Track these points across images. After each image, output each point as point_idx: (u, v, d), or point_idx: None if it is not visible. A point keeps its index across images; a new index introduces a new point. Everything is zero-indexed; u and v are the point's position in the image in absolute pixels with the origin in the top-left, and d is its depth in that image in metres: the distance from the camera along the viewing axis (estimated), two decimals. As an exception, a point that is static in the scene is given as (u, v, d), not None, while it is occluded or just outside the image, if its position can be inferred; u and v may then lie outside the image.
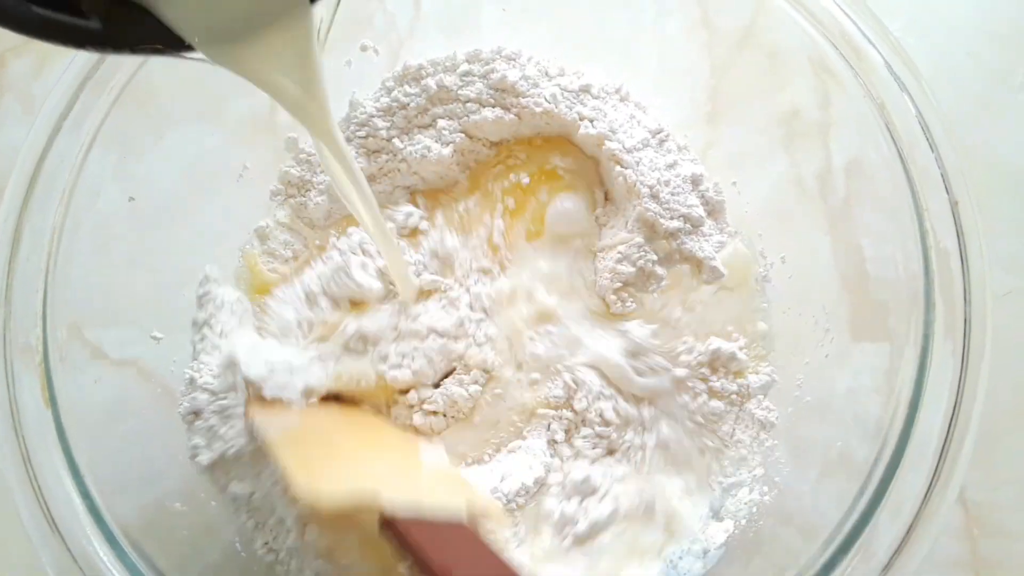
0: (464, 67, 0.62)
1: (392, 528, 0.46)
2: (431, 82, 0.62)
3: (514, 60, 0.63)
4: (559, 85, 0.62)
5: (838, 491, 0.51)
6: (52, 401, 0.48)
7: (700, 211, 0.61)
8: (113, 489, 0.48)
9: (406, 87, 0.63)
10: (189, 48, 0.36)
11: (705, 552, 0.56)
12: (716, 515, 0.58)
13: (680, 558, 0.56)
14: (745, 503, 0.57)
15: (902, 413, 0.49)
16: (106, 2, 0.36)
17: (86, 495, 0.46)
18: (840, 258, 0.59)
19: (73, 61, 0.54)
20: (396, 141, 0.63)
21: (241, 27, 0.37)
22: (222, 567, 0.54)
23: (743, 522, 0.57)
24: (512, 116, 0.62)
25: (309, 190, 0.65)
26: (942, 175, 0.50)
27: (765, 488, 0.57)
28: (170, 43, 0.36)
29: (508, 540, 0.56)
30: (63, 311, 0.50)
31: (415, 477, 0.53)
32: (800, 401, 0.59)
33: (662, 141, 0.62)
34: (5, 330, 0.49)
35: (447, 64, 0.63)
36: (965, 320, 0.49)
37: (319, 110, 0.41)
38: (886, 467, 0.48)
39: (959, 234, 0.49)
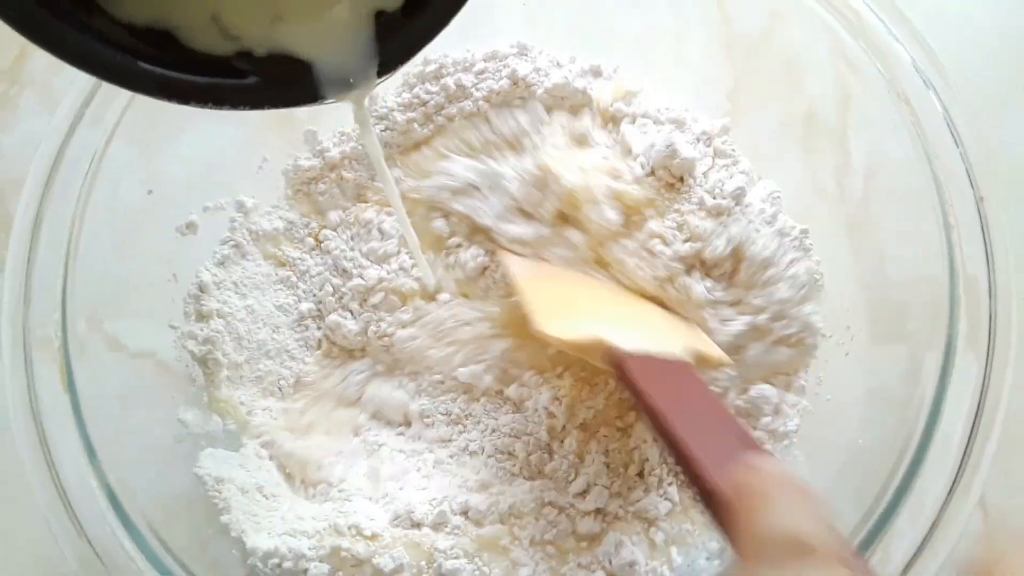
0: (480, 65, 0.63)
1: (618, 368, 0.47)
2: (450, 81, 0.63)
3: (525, 54, 0.64)
4: (569, 71, 0.63)
5: (856, 492, 0.50)
6: (70, 386, 0.48)
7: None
8: (130, 475, 0.48)
9: (427, 85, 0.64)
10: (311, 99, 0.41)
11: (723, 550, 0.56)
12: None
13: (696, 559, 0.56)
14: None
15: (924, 416, 0.49)
16: (262, 62, 0.38)
17: (103, 479, 0.47)
18: (861, 258, 0.58)
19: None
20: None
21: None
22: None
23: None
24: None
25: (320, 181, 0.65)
26: (967, 170, 0.50)
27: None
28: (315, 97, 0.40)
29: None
30: (82, 300, 0.50)
31: (643, 320, 0.56)
32: (819, 399, 0.58)
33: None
34: (25, 317, 0.49)
35: (465, 64, 0.64)
36: (990, 321, 0.48)
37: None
38: (906, 471, 0.48)
39: (984, 231, 0.49)
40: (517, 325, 0.59)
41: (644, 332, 0.53)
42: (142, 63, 0.37)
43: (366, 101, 0.46)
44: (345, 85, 0.41)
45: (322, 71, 0.40)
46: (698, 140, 0.61)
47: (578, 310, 0.55)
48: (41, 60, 0.77)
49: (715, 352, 0.54)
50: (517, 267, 0.57)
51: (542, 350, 0.59)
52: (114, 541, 0.45)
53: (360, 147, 0.64)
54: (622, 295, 0.58)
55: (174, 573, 0.46)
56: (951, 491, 0.47)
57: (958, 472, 0.47)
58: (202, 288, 0.60)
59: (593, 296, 0.58)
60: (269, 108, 0.40)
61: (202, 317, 0.59)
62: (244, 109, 0.40)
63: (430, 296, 0.62)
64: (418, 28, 0.40)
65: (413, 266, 0.62)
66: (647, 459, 0.57)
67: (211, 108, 0.39)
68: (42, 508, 0.46)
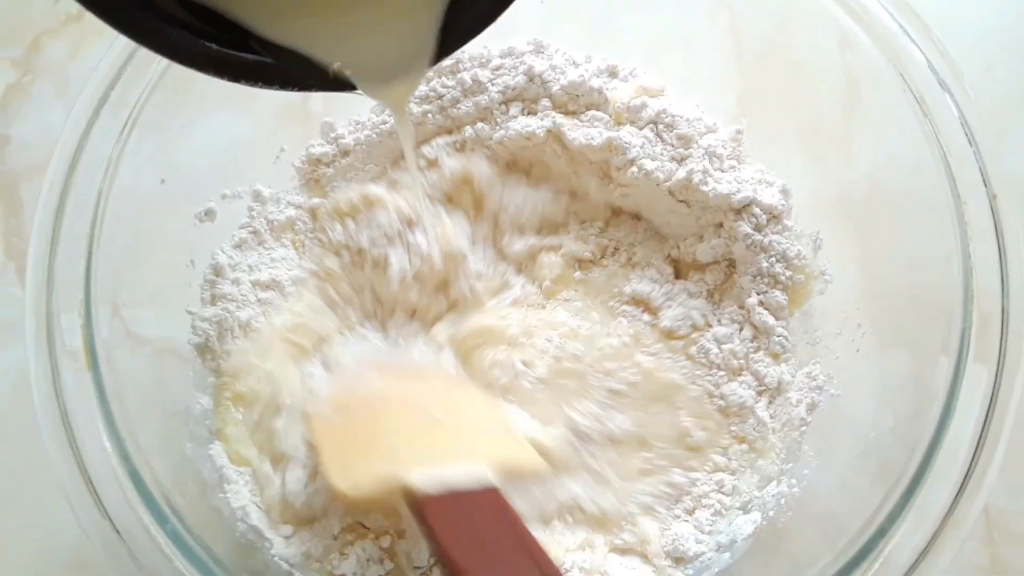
0: (496, 61, 0.64)
1: (418, 511, 0.46)
2: (466, 76, 0.64)
3: (542, 52, 0.65)
4: (586, 70, 0.64)
5: (864, 491, 0.51)
6: (94, 366, 0.48)
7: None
8: (151, 455, 0.48)
9: (444, 79, 0.64)
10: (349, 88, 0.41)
11: (732, 543, 0.56)
12: (744, 507, 0.58)
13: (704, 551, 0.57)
14: (772, 495, 0.57)
15: (935, 417, 0.48)
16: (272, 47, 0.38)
17: (125, 458, 0.47)
18: (873, 257, 0.59)
19: (112, 46, 0.54)
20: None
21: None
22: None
23: (771, 514, 0.57)
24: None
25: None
26: (980, 169, 0.50)
27: (793, 480, 0.57)
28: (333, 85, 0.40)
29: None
30: (103, 284, 0.51)
31: (453, 439, 0.53)
32: (829, 395, 0.59)
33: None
34: (48, 302, 0.49)
35: (481, 59, 0.64)
36: (1003, 322, 0.48)
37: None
38: (914, 473, 0.48)
39: (997, 230, 0.50)
40: None
41: (452, 454, 0.51)
42: (193, 36, 0.37)
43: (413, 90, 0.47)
44: (396, 72, 0.41)
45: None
46: (706, 154, 0.62)
47: (378, 447, 0.52)
48: (55, 50, 0.78)
49: (529, 461, 0.54)
50: (318, 420, 0.55)
51: None
52: (135, 520, 0.46)
53: (374, 136, 0.65)
54: (435, 400, 0.57)
55: (196, 552, 0.46)
56: (958, 495, 0.46)
57: (966, 477, 0.47)
58: (217, 271, 0.60)
59: (398, 421, 0.55)
60: (316, 91, 0.40)
61: (215, 300, 0.60)
62: (290, 90, 0.40)
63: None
64: (475, 15, 0.41)
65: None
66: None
67: (259, 87, 0.39)
68: (64, 486, 0.46)
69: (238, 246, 0.62)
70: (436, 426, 0.54)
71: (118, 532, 0.45)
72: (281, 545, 0.51)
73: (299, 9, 0.37)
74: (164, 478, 0.48)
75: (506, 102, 0.64)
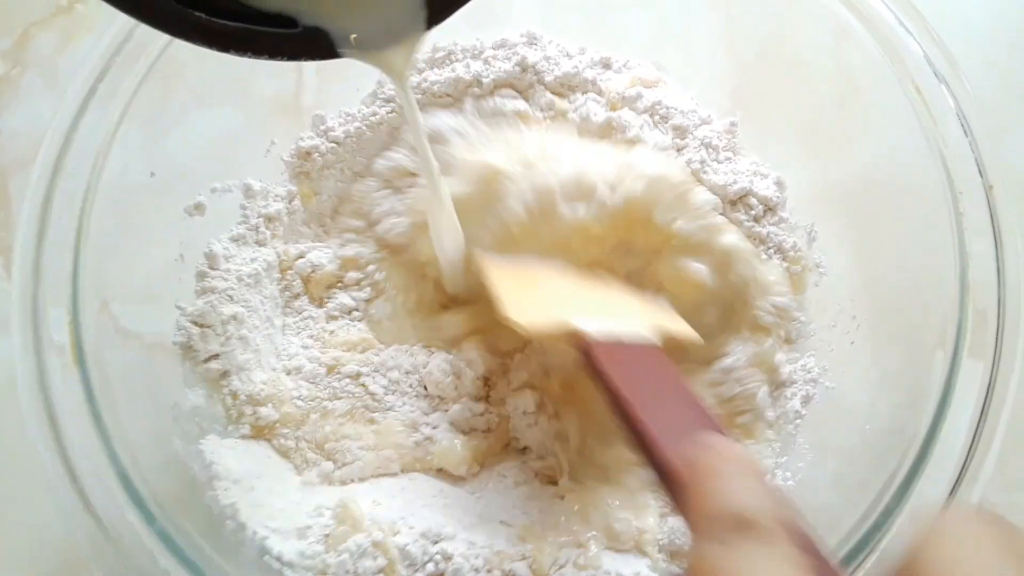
0: (489, 52, 0.64)
1: (585, 354, 0.48)
2: (458, 67, 0.64)
3: (535, 43, 0.64)
4: (579, 61, 0.64)
5: (859, 485, 0.50)
6: (81, 363, 0.48)
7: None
8: (139, 452, 0.48)
9: (435, 70, 0.64)
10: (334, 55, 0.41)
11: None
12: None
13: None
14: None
15: (930, 410, 0.48)
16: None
17: (113, 455, 0.46)
18: (868, 250, 0.59)
19: (102, 37, 0.54)
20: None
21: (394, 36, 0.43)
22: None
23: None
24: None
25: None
26: (976, 160, 0.50)
27: (788, 474, 0.57)
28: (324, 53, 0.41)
29: None
30: (91, 279, 0.50)
31: (611, 304, 0.57)
32: (824, 388, 0.59)
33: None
34: (35, 297, 0.49)
35: (474, 51, 0.64)
36: (999, 314, 0.48)
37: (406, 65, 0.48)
38: (910, 466, 0.48)
39: (993, 219, 0.49)
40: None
41: (612, 316, 0.54)
42: (181, 5, 0.37)
43: (411, 58, 0.46)
44: (393, 37, 0.42)
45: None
46: (702, 145, 0.62)
47: (547, 298, 0.56)
48: (44, 42, 0.77)
49: (683, 329, 0.56)
50: (490, 261, 0.58)
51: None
52: (122, 519, 0.45)
53: (365, 128, 0.65)
54: (589, 280, 0.59)
55: (184, 551, 0.45)
56: (953, 492, 0.46)
57: (960, 473, 0.47)
58: (211, 262, 0.60)
59: (561, 284, 0.58)
60: (308, 60, 0.40)
61: (205, 292, 0.59)
62: (282, 60, 0.40)
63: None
64: None
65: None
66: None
67: (249, 57, 0.39)
68: (50, 485, 0.45)
69: (235, 240, 0.62)
70: (597, 290, 0.58)
71: (105, 531, 0.44)
72: (273, 542, 0.51)
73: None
74: (152, 476, 0.47)
75: (498, 88, 0.64)
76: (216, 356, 0.57)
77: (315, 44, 0.40)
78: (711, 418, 0.43)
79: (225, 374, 0.57)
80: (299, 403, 0.59)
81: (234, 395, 0.57)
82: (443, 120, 0.63)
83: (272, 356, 0.60)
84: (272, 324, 0.61)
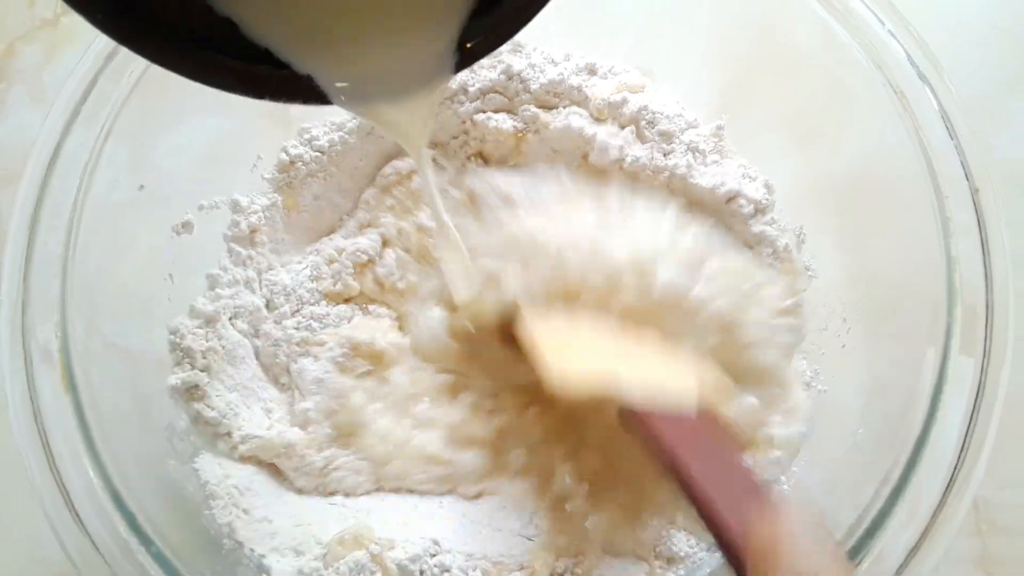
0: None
1: (632, 417, 0.47)
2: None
3: (520, 51, 0.64)
4: (564, 68, 0.63)
5: (854, 487, 0.50)
6: (72, 388, 0.48)
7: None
8: (132, 474, 0.48)
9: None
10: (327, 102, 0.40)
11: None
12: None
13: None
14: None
15: (921, 410, 0.49)
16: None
17: (107, 479, 0.46)
18: (857, 252, 0.59)
19: (88, 52, 0.54)
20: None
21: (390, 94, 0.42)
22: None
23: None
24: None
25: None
26: (962, 163, 0.50)
27: (783, 478, 0.57)
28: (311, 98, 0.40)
29: None
30: (79, 301, 0.50)
31: (650, 367, 0.54)
32: (816, 391, 0.59)
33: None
34: (24, 318, 0.49)
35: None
36: (987, 315, 0.49)
37: (421, 135, 0.48)
38: (903, 467, 0.48)
39: (980, 223, 0.50)
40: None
41: (657, 382, 0.51)
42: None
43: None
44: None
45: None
46: (688, 150, 0.62)
47: (591, 358, 0.54)
48: (29, 55, 0.77)
49: (721, 389, 0.54)
50: (533, 320, 0.55)
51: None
52: (119, 543, 0.45)
53: (348, 137, 0.65)
54: (630, 337, 0.57)
55: (180, 571, 0.45)
56: (947, 490, 0.47)
57: (954, 471, 0.47)
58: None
59: (604, 342, 0.56)
60: (310, 104, 0.40)
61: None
62: (294, 103, 0.40)
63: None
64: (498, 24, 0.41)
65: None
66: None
67: (268, 99, 0.39)
68: (44, 508, 0.45)
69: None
70: (640, 349, 0.56)
71: (102, 556, 0.45)
72: (271, 560, 0.51)
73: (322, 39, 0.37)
74: (147, 499, 0.47)
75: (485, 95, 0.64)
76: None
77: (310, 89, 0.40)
78: (769, 487, 0.42)
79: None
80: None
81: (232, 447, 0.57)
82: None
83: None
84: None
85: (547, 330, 0.54)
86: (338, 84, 0.39)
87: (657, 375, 0.52)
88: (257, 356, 0.62)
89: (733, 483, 0.43)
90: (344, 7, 0.36)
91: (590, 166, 0.63)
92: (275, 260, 0.64)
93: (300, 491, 0.58)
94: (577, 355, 0.53)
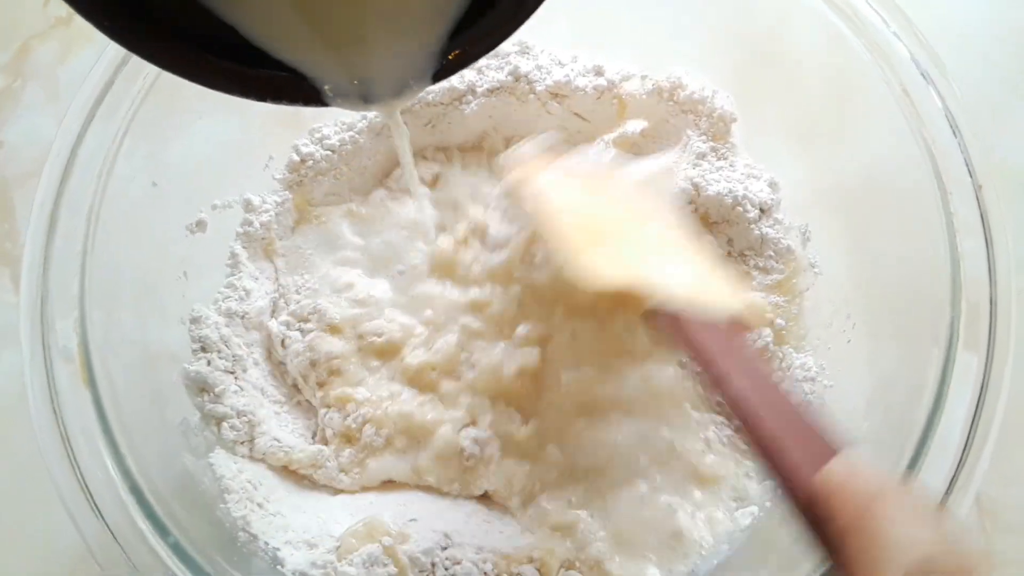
0: (482, 62, 0.65)
1: (661, 318, 0.46)
2: (452, 77, 0.63)
3: (527, 52, 0.65)
4: (572, 70, 0.64)
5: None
6: (91, 383, 0.48)
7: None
8: (151, 468, 0.49)
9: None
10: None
11: (730, 535, 0.56)
12: (741, 500, 0.58)
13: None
14: (769, 487, 0.57)
15: (926, 406, 0.49)
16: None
17: (126, 474, 0.47)
18: (862, 250, 0.59)
19: (104, 52, 0.54)
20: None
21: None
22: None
23: (768, 505, 0.57)
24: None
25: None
26: (965, 160, 0.51)
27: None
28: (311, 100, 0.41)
29: None
30: (97, 297, 0.51)
31: (691, 273, 0.51)
32: (821, 386, 0.59)
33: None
34: (43, 314, 0.49)
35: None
36: (991, 311, 0.49)
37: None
38: (908, 462, 0.48)
39: (983, 219, 0.50)
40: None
41: (692, 281, 0.49)
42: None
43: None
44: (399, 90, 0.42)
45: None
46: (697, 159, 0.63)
47: (614, 245, 0.50)
48: (44, 54, 0.78)
49: (755, 308, 0.53)
50: (548, 201, 0.52)
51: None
52: (136, 533, 0.46)
53: (357, 137, 0.65)
54: (668, 242, 0.54)
55: (198, 563, 0.46)
56: (951, 487, 0.47)
57: (957, 468, 0.47)
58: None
59: (635, 235, 0.53)
60: (309, 106, 0.41)
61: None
62: (282, 104, 0.40)
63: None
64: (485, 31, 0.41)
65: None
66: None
67: (254, 99, 0.40)
68: (63, 499, 0.46)
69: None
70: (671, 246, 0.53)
71: (120, 546, 0.45)
72: (285, 552, 0.51)
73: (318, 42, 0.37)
74: (164, 491, 0.48)
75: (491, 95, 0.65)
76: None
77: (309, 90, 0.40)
78: (830, 430, 0.40)
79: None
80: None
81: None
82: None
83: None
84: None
85: (577, 217, 0.51)
86: (327, 87, 0.40)
87: (697, 282, 0.50)
88: (268, 359, 0.63)
89: (784, 408, 0.41)
90: (340, 10, 0.37)
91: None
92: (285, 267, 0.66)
93: (313, 486, 0.58)
94: (608, 248, 0.50)
